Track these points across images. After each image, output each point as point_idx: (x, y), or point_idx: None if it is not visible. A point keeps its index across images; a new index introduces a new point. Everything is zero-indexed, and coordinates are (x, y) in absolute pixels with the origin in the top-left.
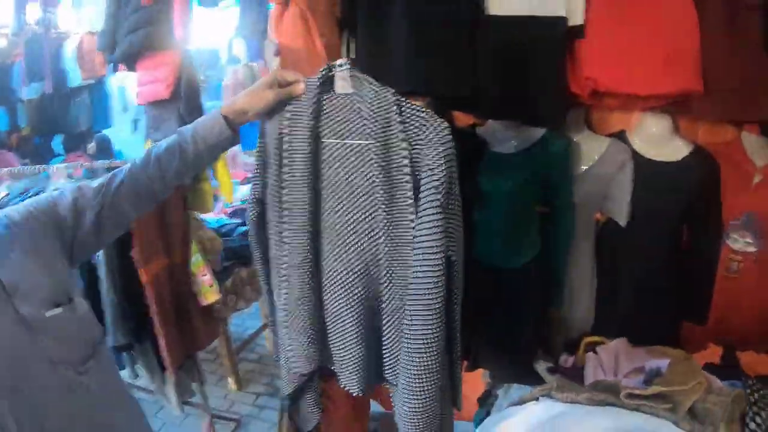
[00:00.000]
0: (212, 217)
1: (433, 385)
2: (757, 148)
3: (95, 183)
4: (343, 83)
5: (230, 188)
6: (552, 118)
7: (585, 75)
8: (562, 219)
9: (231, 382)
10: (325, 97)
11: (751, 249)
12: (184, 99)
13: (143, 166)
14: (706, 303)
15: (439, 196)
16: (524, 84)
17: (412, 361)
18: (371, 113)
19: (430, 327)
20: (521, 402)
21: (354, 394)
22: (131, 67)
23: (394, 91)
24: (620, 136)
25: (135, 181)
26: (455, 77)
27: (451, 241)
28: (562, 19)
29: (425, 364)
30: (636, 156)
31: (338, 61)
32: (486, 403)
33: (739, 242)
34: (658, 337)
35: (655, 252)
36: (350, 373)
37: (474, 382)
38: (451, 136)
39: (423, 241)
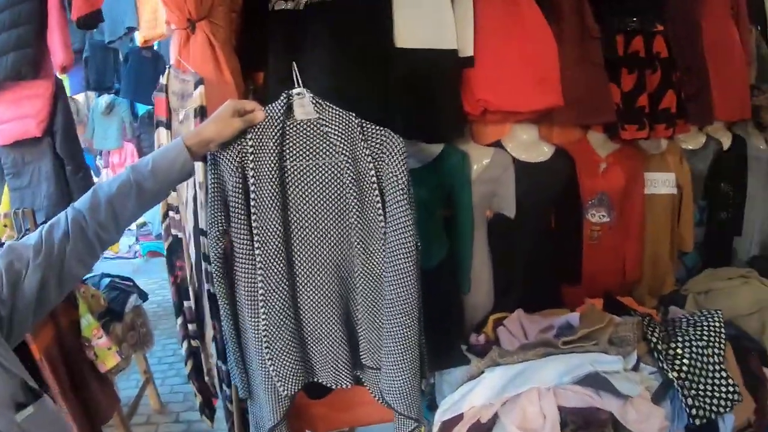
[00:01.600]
0: None
1: (415, 358)
2: (601, 143)
3: (29, 240)
4: (302, 110)
5: None
6: (451, 134)
7: (477, 97)
8: (463, 219)
9: None
10: (287, 123)
11: (606, 220)
12: (60, 135)
13: (91, 211)
14: (578, 267)
15: (405, 196)
16: (427, 106)
17: (397, 340)
18: (339, 134)
19: (411, 305)
20: (472, 377)
21: (344, 387)
22: None
23: (354, 114)
24: (498, 144)
25: (81, 231)
26: (369, 102)
27: (416, 231)
28: (454, 51)
29: (408, 339)
30: (513, 160)
31: (295, 90)
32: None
33: (596, 216)
34: (545, 302)
35: (535, 235)
36: (339, 370)
37: None
38: (405, 148)
39: (398, 234)
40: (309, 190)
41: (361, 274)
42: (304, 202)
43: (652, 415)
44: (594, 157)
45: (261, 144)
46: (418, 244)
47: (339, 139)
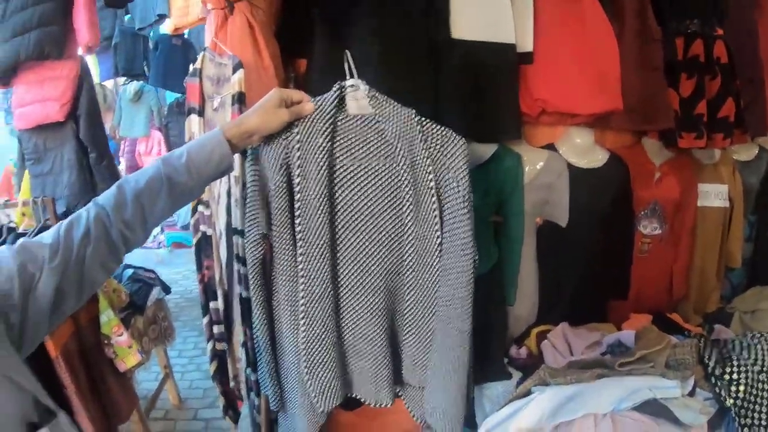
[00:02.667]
0: None
1: (464, 380)
2: (656, 151)
3: (45, 238)
4: (356, 104)
5: None
6: (507, 134)
7: (535, 97)
8: (514, 227)
9: None
10: (339, 117)
11: (657, 232)
12: (84, 121)
13: (116, 208)
14: (627, 281)
15: (466, 206)
16: (482, 102)
17: (447, 360)
18: (397, 133)
19: (464, 324)
20: (519, 396)
21: (384, 406)
22: (4, 82)
23: (414, 110)
24: (551, 147)
25: (105, 230)
26: (421, 94)
27: (474, 245)
28: (512, 46)
29: (459, 360)
30: (567, 165)
31: (349, 81)
32: None
33: (648, 228)
34: (589, 316)
35: (585, 245)
36: (380, 388)
37: None
38: (468, 152)
39: (456, 248)
40: (360, 194)
41: (412, 288)
42: (355, 206)
43: None
44: (648, 166)
45: (309, 140)
46: (476, 259)
47: (397, 138)
